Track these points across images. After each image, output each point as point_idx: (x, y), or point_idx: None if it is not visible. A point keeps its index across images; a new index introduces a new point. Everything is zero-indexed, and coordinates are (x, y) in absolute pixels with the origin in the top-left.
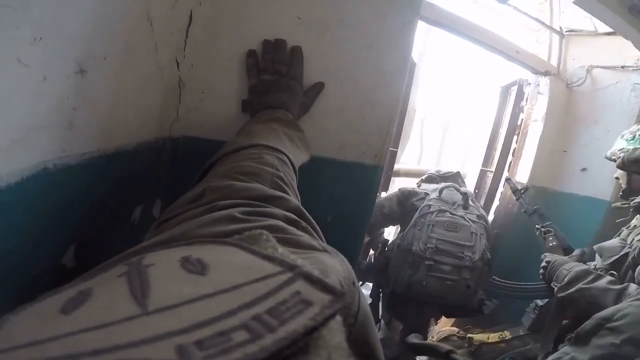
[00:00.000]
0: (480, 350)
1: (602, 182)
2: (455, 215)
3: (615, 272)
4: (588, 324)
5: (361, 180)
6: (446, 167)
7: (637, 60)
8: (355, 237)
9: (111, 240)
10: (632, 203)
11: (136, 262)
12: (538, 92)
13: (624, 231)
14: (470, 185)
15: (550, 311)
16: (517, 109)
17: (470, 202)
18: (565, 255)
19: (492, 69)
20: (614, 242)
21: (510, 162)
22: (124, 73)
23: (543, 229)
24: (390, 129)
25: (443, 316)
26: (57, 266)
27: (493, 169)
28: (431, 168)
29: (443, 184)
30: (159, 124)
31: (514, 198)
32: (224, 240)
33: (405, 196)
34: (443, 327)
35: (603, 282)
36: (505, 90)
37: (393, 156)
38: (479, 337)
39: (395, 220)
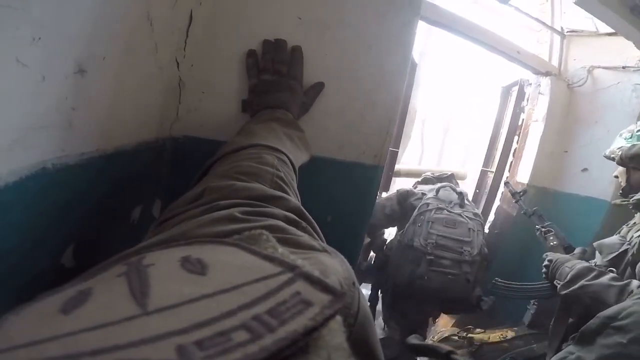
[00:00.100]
0: (481, 350)
1: (603, 183)
2: (453, 212)
3: (614, 269)
4: (592, 323)
5: (361, 180)
6: (442, 169)
7: (639, 60)
8: (355, 237)
9: (110, 240)
10: (631, 200)
11: (136, 261)
12: (539, 93)
13: (624, 228)
14: (471, 186)
15: (555, 310)
16: (518, 109)
17: (466, 201)
18: (567, 254)
19: (493, 70)
20: (614, 239)
21: (511, 162)
22: (124, 73)
23: (543, 230)
24: (390, 129)
25: (443, 313)
26: (56, 266)
27: (494, 169)
28: (432, 168)
29: (439, 184)
30: (159, 124)
31: (513, 201)
32: (224, 240)
33: (404, 196)
34: (443, 328)
35: (605, 278)
36: (506, 91)
37: (394, 156)
38: (479, 337)
39: (396, 220)
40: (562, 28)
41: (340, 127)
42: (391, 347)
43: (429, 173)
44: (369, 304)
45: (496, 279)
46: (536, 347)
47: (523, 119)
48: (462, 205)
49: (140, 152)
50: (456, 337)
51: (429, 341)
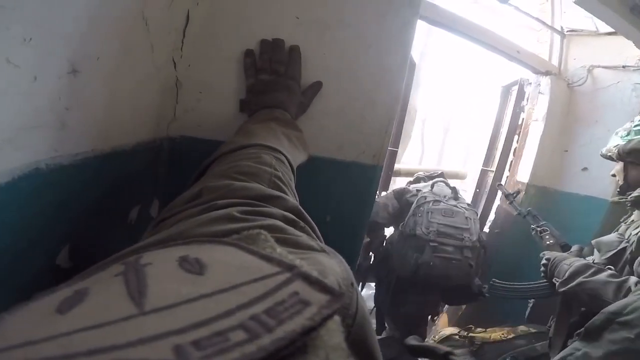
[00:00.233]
0: (482, 349)
1: (602, 182)
2: (449, 204)
3: (612, 267)
4: (597, 319)
5: (360, 180)
6: (442, 169)
7: (638, 60)
8: (354, 237)
9: (108, 241)
10: (629, 198)
11: (133, 261)
12: (539, 92)
13: (622, 226)
14: (471, 185)
15: (557, 309)
16: (518, 109)
17: (459, 195)
18: (563, 252)
19: (493, 69)
20: (612, 237)
21: (511, 161)
22: (119, 73)
23: (539, 229)
24: (389, 128)
25: (444, 303)
26: (51, 266)
27: (494, 168)
28: (433, 168)
29: (434, 180)
30: (156, 124)
31: (507, 202)
32: (222, 239)
33: (400, 193)
34: (444, 327)
35: (603, 275)
36: (506, 90)
37: (393, 156)
38: (480, 336)
39: (397, 217)
40: (562, 27)
41: (339, 126)
42: (392, 346)
43: (420, 172)
44: (374, 306)
45: (494, 279)
46: (538, 346)
47: (523, 119)
48: (455, 198)
49: (138, 152)
50: (457, 337)
51: (429, 341)
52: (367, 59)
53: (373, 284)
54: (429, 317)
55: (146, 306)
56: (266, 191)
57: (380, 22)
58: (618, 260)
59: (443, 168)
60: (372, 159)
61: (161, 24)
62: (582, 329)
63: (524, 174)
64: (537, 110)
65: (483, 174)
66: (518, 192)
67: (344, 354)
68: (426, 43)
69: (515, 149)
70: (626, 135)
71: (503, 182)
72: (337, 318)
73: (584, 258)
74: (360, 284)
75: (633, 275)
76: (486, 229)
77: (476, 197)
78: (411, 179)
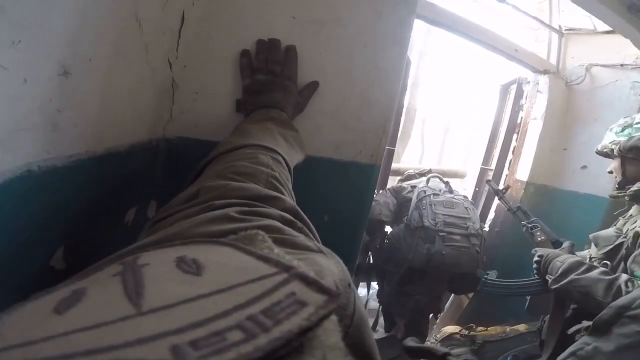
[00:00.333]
0: (484, 348)
1: (602, 180)
2: (447, 196)
3: (608, 262)
4: (605, 313)
5: (358, 179)
6: (442, 168)
7: (636, 58)
8: (352, 236)
9: (104, 242)
10: (628, 192)
11: (131, 261)
12: (537, 91)
13: (620, 220)
14: (470, 184)
15: (551, 306)
16: (516, 108)
17: (453, 189)
18: (555, 248)
19: (492, 68)
20: (610, 231)
21: (511, 160)
22: (113, 74)
23: (529, 225)
24: (386, 127)
25: (452, 293)
26: (45, 268)
27: (493, 167)
28: (433, 167)
29: (430, 175)
30: (152, 125)
31: (497, 198)
32: (220, 240)
33: (397, 191)
34: (445, 327)
35: (595, 272)
36: (505, 89)
37: (390, 154)
38: (481, 335)
39: (396, 214)
40: (560, 26)
41: (336, 126)
42: (393, 346)
43: (411, 170)
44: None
45: (485, 276)
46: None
47: (522, 117)
48: (450, 191)
49: (133, 153)
50: (458, 336)
51: (430, 340)
52: (363, 58)
53: (374, 283)
54: (431, 314)
55: (144, 306)
56: (263, 191)
57: (376, 21)
58: (615, 255)
59: (443, 167)
60: (370, 158)
61: (155, 24)
62: (590, 323)
63: (523, 172)
64: (535, 109)
65: (482, 172)
66: (507, 188)
67: (341, 353)
68: (425, 43)
69: (514, 148)
70: (621, 131)
71: (502, 181)
72: (334, 318)
73: (576, 254)
74: (365, 284)
75: (627, 271)
76: (486, 228)
77: (476, 195)
78: (401, 176)
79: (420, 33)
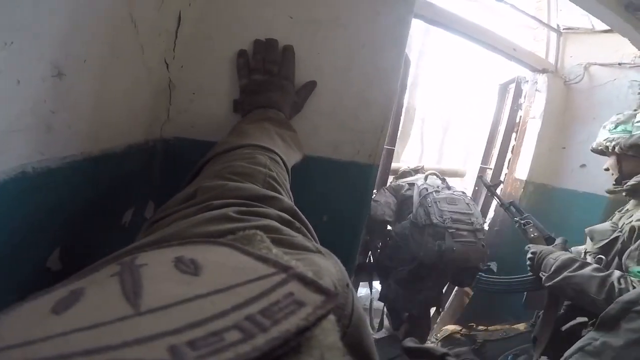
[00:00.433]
0: (484, 347)
1: (601, 178)
2: (447, 192)
3: (603, 257)
4: (612, 308)
5: (356, 179)
6: (441, 167)
7: (634, 57)
8: (351, 236)
9: (101, 243)
10: (624, 186)
11: (129, 261)
12: (536, 90)
13: (616, 215)
14: (470, 183)
15: (544, 303)
16: (515, 107)
17: (450, 185)
18: (548, 244)
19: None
20: (606, 225)
21: (510, 159)
22: (108, 75)
23: (522, 222)
24: (385, 127)
25: (455, 285)
26: (41, 269)
27: (492, 166)
28: (433, 166)
29: (427, 172)
30: (149, 126)
31: (488, 194)
32: (218, 240)
33: (396, 190)
34: (446, 326)
35: (588, 269)
36: (504, 88)
37: (390, 154)
38: (482, 334)
39: (397, 213)
40: (558, 25)
41: (334, 126)
42: (393, 345)
43: (405, 167)
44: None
45: (480, 274)
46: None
47: (520, 116)
48: (449, 187)
49: (130, 154)
50: (459, 335)
51: (431, 339)
52: (361, 57)
53: (376, 283)
54: (433, 309)
55: (142, 307)
56: (261, 191)
57: (374, 20)
58: (610, 249)
59: (442, 166)
60: (368, 158)
61: (151, 25)
62: (584, 319)
63: (522, 171)
64: (534, 108)
65: (482, 172)
66: (499, 184)
67: (339, 353)
68: (424, 42)
69: (513, 147)
70: (614, 128)
71: (502, 180)
72: (332, 318)
73: (569, 250)
74: (367, 283)
75: (622, 266)
76: (485, 227)
77: (475, 194)
78: (396, 174)
79: (419, 32)
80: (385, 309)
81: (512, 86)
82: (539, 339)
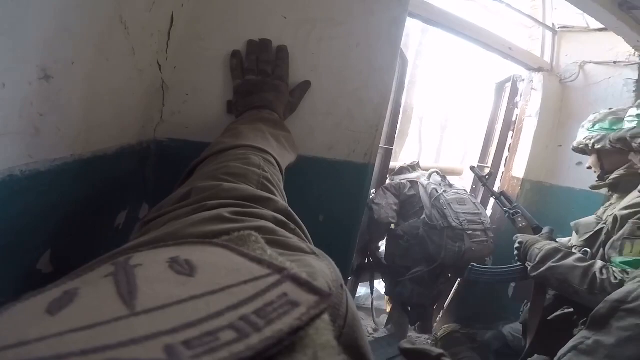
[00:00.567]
0: (489, 354)
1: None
2: (455, 192)
3: (589, 250)
4: (602, 307)
5: (352, 178)
6: (439, 166)
7: (629, 55)
8: (348, 235)
9: (94, 245)
10: (607, 181)
11: (123, 262)
12: (532, 88)
13: (601, 209)
14: (467, 181)
15: (531, 293)
16: (511, 105)
17: (451, 183)
18: (535, 234)
19: (488, 66)
20: (590, 218)
21: (506, 157)
22: (98, 77)
23: (511, 212)
24: (380, 126)
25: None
26: (31, 271)
27: (490, 164)
28: (432, 165)
29: (430, 171)
30: (142, 127)
31: (481, 184)
32: (213, 241)
33: (397, 189)
34: (445, 324)
35: (571, 259)
36: (500, 87)
37: (388, 154)
38: (481, 333)
39: (399, 213)
40: (553, 24)
41: (329, 126)
42: (392, 345)
43: (402, 163)
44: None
45: (472, 264)
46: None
47: (517, 115)
48: (451, 185)
49: (123, 155)
50: (459, 334)
51: (429, 340)
52: (356, 57)
53: (376, 283)
54: (435, 305)
55: (137, 307)
56: (256, 192)
57: (368, 19)
58: (595, 241)
59: (440, 165)
60: (364, 157)
61: (142, 26)
62: (571, 310)
63: (519, 169)
64: (530, 107)
65: (479, 170)
66: (490, 174)
67: (333, 351)
68: (421, 41)
69: (510, 145)
70: (592, 127)
71: (498, 178)
72: (326, 317)
73: (556, 240)
74: (369, 283)
75: (605, 257)
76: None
77: (472, 193)
78: (393, 171)
79: (417, 31)
80: (393, 306)
81: (509, 85)
82: (529, 328)
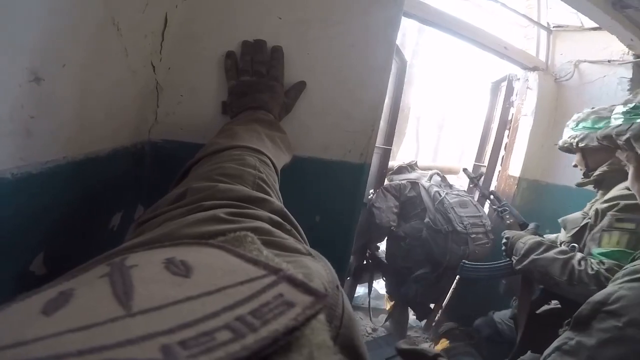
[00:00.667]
0: (481, 342)
1: None
2: (456, 194)
3: (576, 245)
4: (584, 308)
5: (348, 178)
6: (437, 165)
7: (623, 54)
8: (345, 235)
9: (88, 247)
10: (591, 178)
11: (119, 262)
12: (527, 87)
13: (587, 204)
14: (464, 180)
15: (519, 287)
16: (507, 104)
17: (450, 183)
18: (522, 230)
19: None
20: (577, 214)
21: (503, 156)
22: (90, 79)
23: (500, 209)
24: (376, 126)
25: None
26: (24, 273)
27: (486, 163)
28: (429, 164)
29: (431, 172)
30: (136, 129)
31: (471, 185)
32: (209, 242)
33: (398, 190)
34: (444, 322)
35: (552, 252)
36: (496, 86)
37: (387, 154)
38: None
39: (399, 214)
40: (548, 23)
41: (325, 126)
42: (391, 345)
43: (401, 163)
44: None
45: (464, 261)
46: None
47: (513, 114)
48: (450, 186)
49: (117, 157)
50: (457, 331)
51: (427, 340)
52: (351, 57)
53: (375, 283)
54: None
55: (133, 308)
56: (251, 193)
57: (363, 19)
58: (581, 236)
59: (437, 164)
60: (360, 157)
61: (135, 27)
62: (572, 318)
63: (515, 168)
64: (526, 106)
65: (476, 169)
66: (482, 175)
67: (329, 351)
68: (418, 41)
69: (506, 144)
70: (575, 126)
71: (495, 177)
72: (322, 318)
73: (542, 236)
74: (368, 283)
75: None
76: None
77: (469, 192)
78: (391, 170)
79: (413, 31)
80: (393, 305)
81: (504, 84)
82: (519, 322)
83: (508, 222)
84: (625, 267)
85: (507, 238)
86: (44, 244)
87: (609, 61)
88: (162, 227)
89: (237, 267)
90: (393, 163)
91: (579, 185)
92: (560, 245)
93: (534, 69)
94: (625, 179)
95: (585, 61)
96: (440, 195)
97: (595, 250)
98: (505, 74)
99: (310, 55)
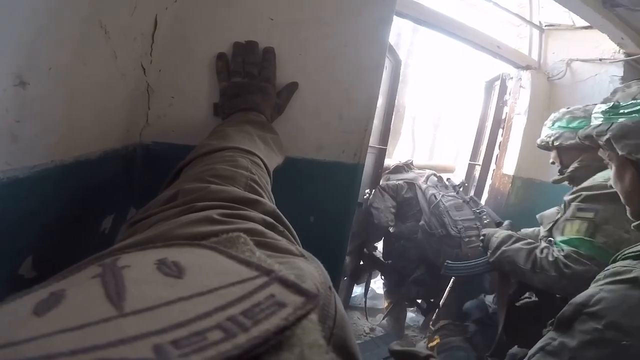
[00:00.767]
0: (476, 337)
1: None
2: (453, 197)
3: (552, 239)
4: (566, 310)
5: (342, 179)
6: (434, 164)
7: (614, 52)
8: (339, 236)
9: (79, 251)
10: (565, 174)
11: (111, 263)
12: (520, 86)
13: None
14: (459, 178)
15: (497, 280)
16: (501, 103)
17: (446, 183)
18: (497, 227)
19: (478, 64)
20: (553, 210)
21: (497, 155)
22: (77, 82)
23: (477, 211)
24: (369, 125)
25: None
26: (12, 276)
27: (481, 162)
28: (426, 163)
29: (428, 172)
30: (126, 131)
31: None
32: (201, 243)
33: (395, 190)
34: (440, 320)
35: (519, 243)
36: (490, 85)
37: (382, 153)
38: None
39: (396, 214)
40: (540, 22)
41: (318, 126)
42: (389, 344)
43: (397, 161)
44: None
45: (447, 261)
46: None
47: (506, 112)
48: (446, 187)
49: (107, 160)
50: (452, 327)
51: (425, 338)
52: (343, 57)
53: (373, 283)
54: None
55: (125, 308)
56: (244, 194)
57: (355, 19)
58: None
59: (432, 163)
60: (353, 157)
61: (124, 30)
62: (555, 319)
63: (509, 166)
64: (519, 104)
65: (470, 168)
66: (463, 184)
67: (321, 350)
68: (412, 41)
69: (500, 143)
70: (551, 125)
71: (489, 175)
72: (314, 318)
73: (515, 231)
74: (365, 283)
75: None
76: None
77: (465, 191)
78: (388, 169)
79: (408, 31)
80: (395, 303)
81: (498, 83)
82: (499, 314)
83: (486, 221)
84: (606, 269)
85: (484, 235)
86: (33, 248)
87: (600, 60)
88: (154, 227)
89: (230, 268)
90: (389, 162)
91: (555, 181)
92: (540, 241)
93: (527, 67)
94: (594, 174)
95: (577, 60)
96: (436, 199)
97: (558, 239)
98: (498, 73)
99: (302, 56)
